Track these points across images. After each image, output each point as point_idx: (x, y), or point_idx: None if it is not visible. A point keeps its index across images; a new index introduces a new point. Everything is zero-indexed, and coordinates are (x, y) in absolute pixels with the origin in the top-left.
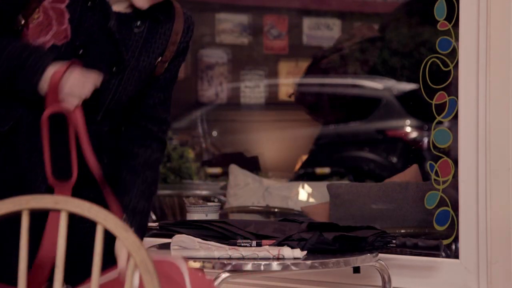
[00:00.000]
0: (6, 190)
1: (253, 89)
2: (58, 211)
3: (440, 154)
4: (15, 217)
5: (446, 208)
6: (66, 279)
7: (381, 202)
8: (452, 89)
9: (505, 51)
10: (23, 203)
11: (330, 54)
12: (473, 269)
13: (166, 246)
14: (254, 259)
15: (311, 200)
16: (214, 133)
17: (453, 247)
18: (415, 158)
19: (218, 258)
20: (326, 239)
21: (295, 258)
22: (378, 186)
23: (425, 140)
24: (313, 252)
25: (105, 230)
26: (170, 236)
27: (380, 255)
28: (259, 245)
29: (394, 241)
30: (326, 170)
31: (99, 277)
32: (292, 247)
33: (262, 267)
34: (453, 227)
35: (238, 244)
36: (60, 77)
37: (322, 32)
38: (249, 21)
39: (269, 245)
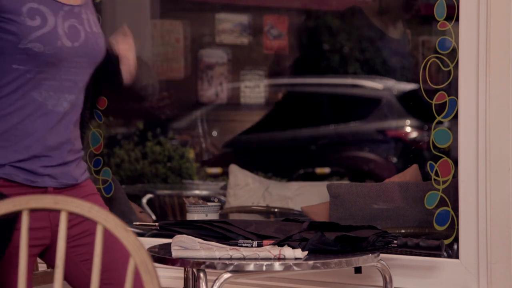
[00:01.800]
0: None
1: (253, 89)
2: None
3: (440, 154)
4: None
5: (446, 208)
6: None
7: (381, 202)
8: (452, 89)
9: (505, 51)
10: (23, 203)
11: None
12: (473, 269)
13: (167, 247)
14: (256, 259)
15: (311, 200)
16: (214, 133)
17: (453, 247)
18: (415, 158)
19: (219, 259)
20: (328, 240)
21: (296, 259)
22: (378, 186)
23: (425, 140)
24: (315, 253)
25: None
26: (171, 236)
27: (382, 255)
28: (260, 245)
29: (395, 241)
30: (326, 170)
31: None
32: (293, 247)
33: (264, 268)
34: (453, 227)
35: (239, 244)
36: None
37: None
38: (249, 21)
39: (270, 245)
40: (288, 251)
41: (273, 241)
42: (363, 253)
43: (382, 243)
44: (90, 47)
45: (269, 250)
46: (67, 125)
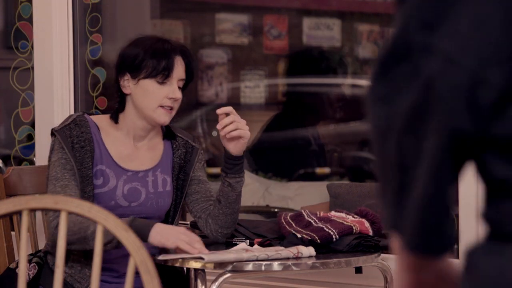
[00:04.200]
0: None
1: (253, 89)
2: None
3: None
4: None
5: None
6: None
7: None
8: None
9: None
10: (23, 203)
11: None
12: None
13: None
14: (277, 259)
15: (311, 200)
16: (214, 133)
17: (453, 247)
18: None
19: (246, 261)
20: (298, 240)
21: (310, 257)
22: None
23: None
24: (316, 253)
25: None
26: None
27: (382, 255)
28: (251, 244)
29: (378, 243)
30: (326, 170)
31: None
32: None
33: (263, 267)
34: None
35: (233, 242)
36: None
37: (322, 32)
38: (249, 21)
39: (259, 242)
40: (304, 249)
41: (260, 240)
42: (363, 253)
43: (363, 247)
44: (148, 206)
45: (288, 249)
46: None
